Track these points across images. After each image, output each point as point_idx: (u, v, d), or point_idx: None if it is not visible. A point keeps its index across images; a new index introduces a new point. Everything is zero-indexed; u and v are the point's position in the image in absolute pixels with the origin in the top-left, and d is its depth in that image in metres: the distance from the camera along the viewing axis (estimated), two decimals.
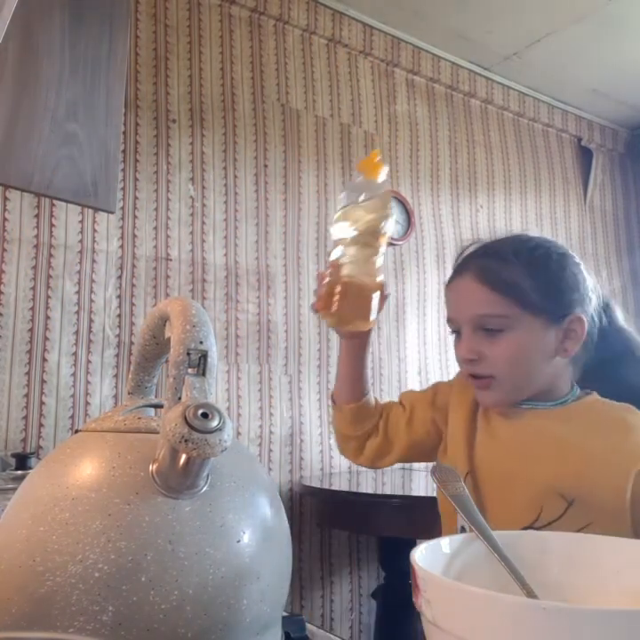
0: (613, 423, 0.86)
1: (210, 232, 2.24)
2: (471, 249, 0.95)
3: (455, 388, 1.01)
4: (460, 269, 0.93)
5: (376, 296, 0.87)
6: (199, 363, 0.45)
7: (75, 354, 1.92)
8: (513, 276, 0.86)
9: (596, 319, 0.90)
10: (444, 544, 0.53)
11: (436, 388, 1.05)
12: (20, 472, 1.27)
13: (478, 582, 0.43)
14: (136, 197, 2.10)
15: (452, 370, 2.75)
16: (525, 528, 0.81)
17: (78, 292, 1.95)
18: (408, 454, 1.04)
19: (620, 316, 0.96)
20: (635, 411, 0.87)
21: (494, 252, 0.91)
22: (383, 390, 2.51)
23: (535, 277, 0.86)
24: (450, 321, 0.94)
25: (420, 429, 1.00)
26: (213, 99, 2.32)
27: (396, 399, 1.07)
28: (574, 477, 0.81)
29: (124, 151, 2.08)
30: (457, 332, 0.92)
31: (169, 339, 0.47)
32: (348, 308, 0.85)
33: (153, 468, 0.44)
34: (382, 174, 0.84)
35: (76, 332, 1.93)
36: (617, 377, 0.92)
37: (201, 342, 0.45)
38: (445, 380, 1.05)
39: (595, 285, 0.92)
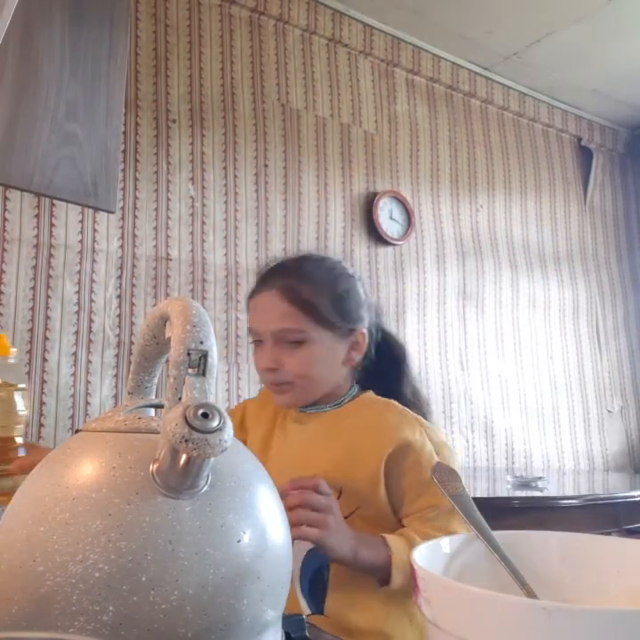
0: (372, 418, 0.99)
1: (210, 232, 2.24)
2: (273, 265, 1.05)
3: (258, 402, 1.14)
4: (263, 285, 1.01)
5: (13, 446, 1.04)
6: (199, 363, 0.45)
7: (75, 354, 1.92)
8: (310, 295, 0.97)
9: (373, 333, 1.04)
10: (444, 544, 0.53)
11: (245, 408, 1.16)
12: None
13: (478, 582, 0.43)
14: (136, 197, 2.10)
15: (451, 369, 2.75)
16: None
17: (78, 292, 1.95)
18: None
19: (388, 329, 1.11)
20: (393, 406, 1.00)
21: (296, 271, 1.01)
22: None
23: (328, 296, 0.98)
24: (251, 332, 1.02)
25: None
26: (213, 99, 2.32)
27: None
28: (338, 469, 0.93)
29: (124, 151, 2.08)
30: (258, 342, 1.01)
31: (169, 339, 0.47)
32: None
33: (153, 467, 0.44)
34: (12, 357, 1.04)
35: (76, 332, 1.93)
36: (388, 378, 1.07)
37: (201, 342, 0.45)
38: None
39: (372, 303, 1.06)
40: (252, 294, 1.03)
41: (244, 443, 1.08)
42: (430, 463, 0.90)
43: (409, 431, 0.95)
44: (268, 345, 0.98)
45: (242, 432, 1.11)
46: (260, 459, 1.03)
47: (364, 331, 1.01)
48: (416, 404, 1.05)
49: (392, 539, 0.88)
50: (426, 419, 1.01)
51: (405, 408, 1.01)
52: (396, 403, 1.01)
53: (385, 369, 1.07)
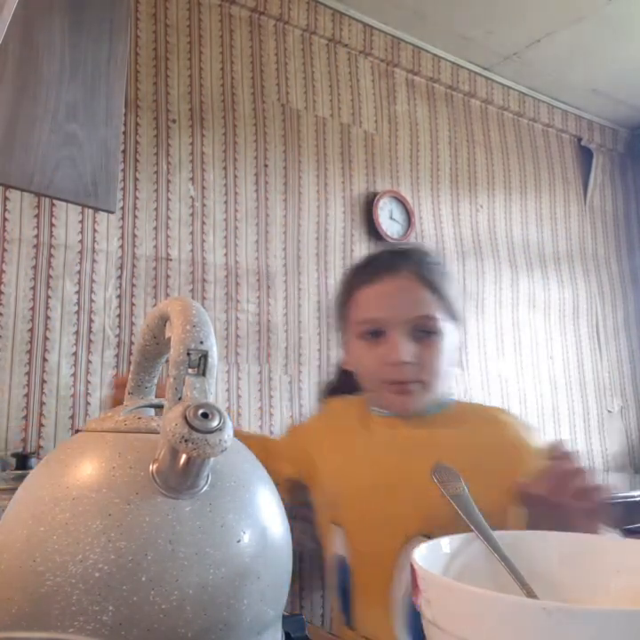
0: (490, 422, 0.89)
1: (210, 232, 2.24)
2: (389, 251, 0.94)
3: (324, 415, 1.02)
4: (387, 270, 0.88)
5: None
6: (199, 363, 0.45)
7: (75, 354, 1.92)
8: (442, 282, 0.88)
9: None
10: (444, 544, 0.53)
11: (294, 437, 1.03)
12: (20, 472, 1.28)
13: (478, 582, 0.43)
14: (136, 197, 2.10)
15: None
16: (423, 535, 0.81)
17: (78, 292, 1.95)
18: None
19: None
20: (503, 410, 0.94)
21: (421, 257, 0.91)
22: None
23: (451, 285, 0.90)
24: (367, 322, 0.88)
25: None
26: (213, 99, 2.32)
27: None
28: (464, 477, 0.81)
29: (124, 151, 2.08)
30: (374, 333, 0.88)
31: (169, 339, 0.47)
32: None
33: (153, 467, 0.44)
34: None
35: (76, 332, 1.93)
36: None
37: (201, 342, 0.45)
38: None
39: None
40: (369, 281, 0.89)
41: (309, 461, 0.95)
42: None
43: (535, 440, 0.87)
44: (397, 336, 0.85)
45: (291, 464, 0.98)
46: (343, 461, 0.90)
47: (462, 326, 0.91)
48: None
49: None
50: None
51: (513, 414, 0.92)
52: (503, 409, 0.93)
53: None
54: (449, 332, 0.87)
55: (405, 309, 0.86)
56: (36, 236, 1.91)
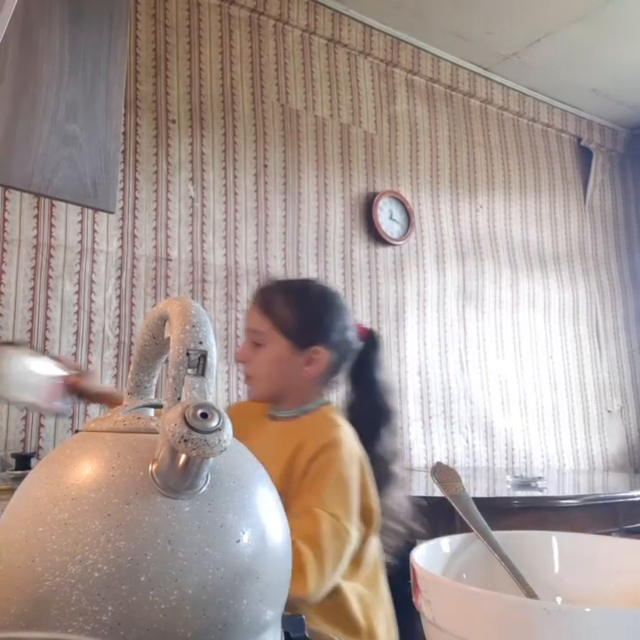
0: (308, 429, 1.06)
1: (210, 232, 2.24)
2: (269, 287, 1.19)
3: (247, 405, 1.23)
4: (254, 298, 1.18)
5: None
6: (199, 363, 0.45)
7: (75, 354, 1.91)
8: (277, 306, 1.11)
9: (341, 354, 1.12)
10: (444, 544, 0.53)
11: (238, 406, 1.31)
12: (19, 472, 1.28)
13: (478, 582, 0.43)
14: (136, 197, 2.10)
15: (452, 370, 2.75)
16: None
17: (78, 292, 1.95)
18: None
19: (377, 360, 1.17)
20: (329, 419, 1.07)
21: (275, 287, 1.18)
22: None
23: (293, 311, 1.11)
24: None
25: None
26: (213, 99, 2.32)
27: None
28: (281, 480, 0.98)
29: (123, 151, 2.08)
30: None
31: (169, 339, 0.47)
32: None
33: (152, 468, 0.44)
34: None
35: (76, 332, 1.93)
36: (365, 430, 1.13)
37: (201, 342, 0.45)
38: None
39: (351, 336, 1.15)
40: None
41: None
42: (330, 468, 0.98)
43: (326, 436, 1.02)
44: (245, 342, 1.15)
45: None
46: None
47: (323, 349, 1.09)
48: (384, 458, 1.10)
49: None
50: (390, 476, 1.10)
51: (338, 419, 1.07)
52: (334, 418, 1.08)
53: (365, 421, 1.12)
54: (276, 345, 1.10)
55: (246, 323, 1.17)
56: (36, 237, 1.91)
